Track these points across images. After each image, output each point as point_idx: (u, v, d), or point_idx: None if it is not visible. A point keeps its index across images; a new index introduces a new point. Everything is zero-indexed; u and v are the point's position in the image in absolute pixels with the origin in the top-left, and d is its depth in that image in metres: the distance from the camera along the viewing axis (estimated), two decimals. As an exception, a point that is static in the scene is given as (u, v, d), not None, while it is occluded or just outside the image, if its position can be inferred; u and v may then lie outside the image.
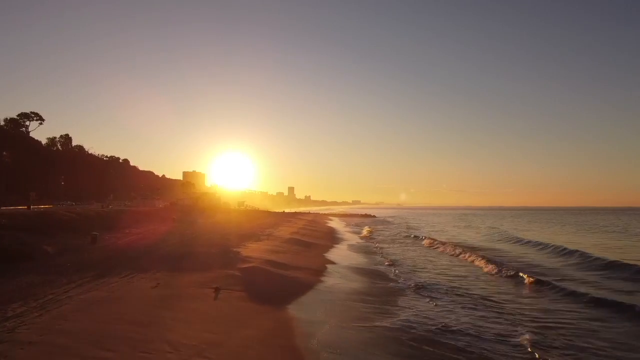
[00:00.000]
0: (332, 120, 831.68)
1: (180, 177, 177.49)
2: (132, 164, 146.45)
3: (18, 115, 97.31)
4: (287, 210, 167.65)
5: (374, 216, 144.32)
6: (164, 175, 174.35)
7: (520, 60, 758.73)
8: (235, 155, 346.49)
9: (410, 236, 54.69)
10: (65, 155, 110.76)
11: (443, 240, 46.13)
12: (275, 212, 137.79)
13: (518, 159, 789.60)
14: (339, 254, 32.09)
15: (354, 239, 48.80)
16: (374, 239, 50.43)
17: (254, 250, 27.02)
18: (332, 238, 47.41)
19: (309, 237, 43.65)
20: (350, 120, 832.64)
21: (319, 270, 22.92)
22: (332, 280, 20.56)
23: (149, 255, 24.21)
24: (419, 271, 25.29)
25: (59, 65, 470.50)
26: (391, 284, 20.82)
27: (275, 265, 22.29)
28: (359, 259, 29.91)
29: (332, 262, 26.57)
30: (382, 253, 34.44)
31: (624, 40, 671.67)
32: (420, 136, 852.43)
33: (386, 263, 28.08)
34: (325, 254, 30.66)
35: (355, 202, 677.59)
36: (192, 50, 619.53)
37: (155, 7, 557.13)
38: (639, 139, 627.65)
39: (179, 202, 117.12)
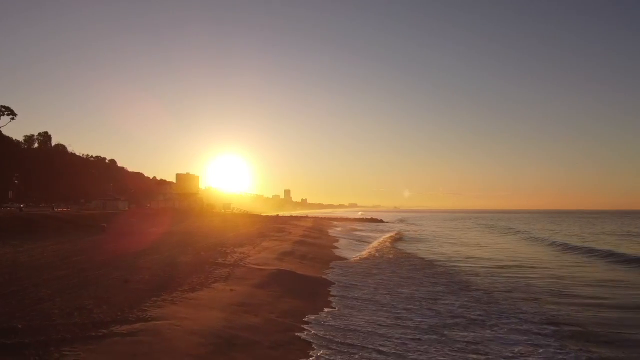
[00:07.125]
0: (329, 122, 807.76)
1: (173, 179, 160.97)
2: (122, 165, 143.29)
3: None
4: (281, 214, 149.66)
5: (382, 220, 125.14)
6: (154, 177, 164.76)
7: (518, 61, 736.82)
8: (232, 157, 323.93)
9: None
10: (39, 154, 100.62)
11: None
12: (268, 215, 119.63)
13: (515, 162, 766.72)
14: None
15: (399, 272, 29.27)
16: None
17: (154, 356, 7.91)
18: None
19: (313, 262, 24.60)
20: (347, 124, 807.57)
21: None
22: None
23: None
24: None
25: (53, 67, 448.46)
26: None
27: None
28: None
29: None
30: None
31: (623, 41, 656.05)
32: (417, 139, 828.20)
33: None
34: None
35: (352, 205, 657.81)
36: (189, 52, 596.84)
37: (151, 6, 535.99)
38: (639, 141, 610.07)
39: (150, 205, 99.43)
